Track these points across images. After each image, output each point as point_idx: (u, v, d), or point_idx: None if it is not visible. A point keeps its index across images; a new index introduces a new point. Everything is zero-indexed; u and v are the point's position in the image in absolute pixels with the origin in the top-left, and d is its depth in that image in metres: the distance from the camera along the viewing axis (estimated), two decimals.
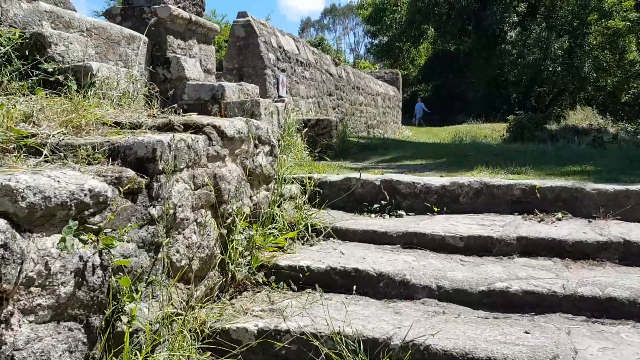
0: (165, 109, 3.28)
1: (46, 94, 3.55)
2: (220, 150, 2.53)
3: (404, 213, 3.48)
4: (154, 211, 2.02)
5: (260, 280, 2.79)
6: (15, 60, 3.55)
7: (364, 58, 54.83)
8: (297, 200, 3.48)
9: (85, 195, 1.71)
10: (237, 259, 2.69)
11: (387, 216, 3.44)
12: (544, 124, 18.12)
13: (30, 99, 3.00)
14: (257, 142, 3.00)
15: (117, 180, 1.90)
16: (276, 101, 9.30)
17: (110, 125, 2.51)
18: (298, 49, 11.10)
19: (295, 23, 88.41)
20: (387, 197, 3.46)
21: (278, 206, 3.16)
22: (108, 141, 2.07)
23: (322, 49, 42.60)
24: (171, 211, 2.13)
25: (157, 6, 6.17)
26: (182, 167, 2.20)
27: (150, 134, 2.25)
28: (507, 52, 27.57)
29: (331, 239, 3.28)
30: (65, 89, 3.59)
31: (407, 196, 3.46)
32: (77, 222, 1.70)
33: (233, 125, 2.66)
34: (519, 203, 3.62)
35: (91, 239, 1.78)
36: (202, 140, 2.39)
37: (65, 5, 7.04)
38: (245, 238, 2.75)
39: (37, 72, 3.69)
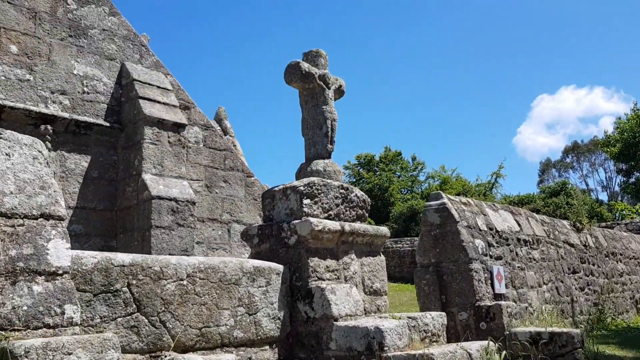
0: None
1: None
2: None
3: None
4: None
5: None
6: None
7: (619, 197, 47.85)
8: None
9: None
10: None
11: None
12: None
13: None
14: None
15: None
16: (489, 306, 6.92)
17: None
18: (519, 225, 8.73)
19: (535, 163, 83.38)
20: None
21: None
22: None
23: (566, 193, 38.02)
24: None
25: (297, 221, 4.72)
26: None
27: None
28: None
29: None
30: None
31: None
32: None
33: None
34: None
35: None
36: None
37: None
38: None
39: None
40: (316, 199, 4.88)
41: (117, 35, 9.40)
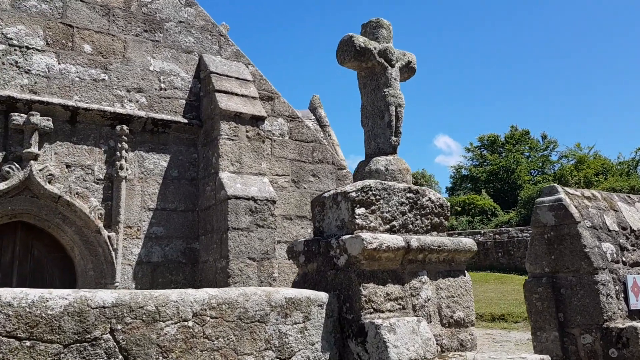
0: None
1: None
2: None
3: None
4: None
5: None
6: None
7: None
8: None
9: None
10: None
11: None
12: None
13: None
14: None
15: None
16: (621, 329, 5.45)
17: None
18: None
19: None
20: None
21: None
22: None
23: None
24: None
25: (346, 236, 3.74)
26: None
27: None
28: None
29: None
30: None
31: None
32: None
33: None
34: None
35: None
36: None
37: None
38: None
39: None
40: (373, 207, 3.87)
41: (194, 27, 8.92)
